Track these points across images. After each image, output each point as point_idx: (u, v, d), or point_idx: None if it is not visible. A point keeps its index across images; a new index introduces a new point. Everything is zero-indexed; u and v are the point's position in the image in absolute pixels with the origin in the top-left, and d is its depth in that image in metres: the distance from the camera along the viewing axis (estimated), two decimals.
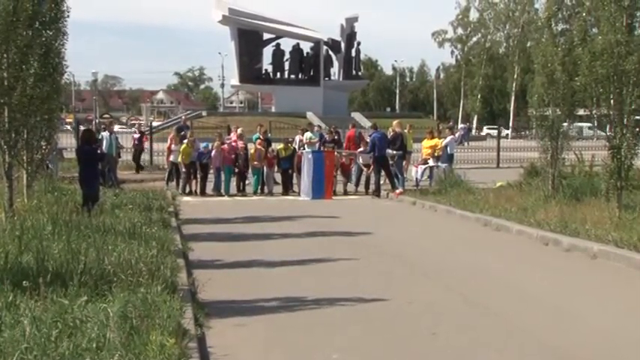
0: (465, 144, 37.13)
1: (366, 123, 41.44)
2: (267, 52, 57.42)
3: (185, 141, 18.75)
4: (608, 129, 12.36)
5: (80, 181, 12.10)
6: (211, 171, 18.69)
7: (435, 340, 6.38)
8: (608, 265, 9.64)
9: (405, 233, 12.79)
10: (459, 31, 77.41)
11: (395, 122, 19.49)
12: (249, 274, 9.13)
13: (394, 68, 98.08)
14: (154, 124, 47.08)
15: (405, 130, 20.19)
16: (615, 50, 11.74)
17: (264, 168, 18.86)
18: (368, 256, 10.41)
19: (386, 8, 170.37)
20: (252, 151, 18.96)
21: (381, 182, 18.51)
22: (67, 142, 23.93)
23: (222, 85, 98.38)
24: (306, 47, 57.54)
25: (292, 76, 57.83)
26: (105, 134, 18.99)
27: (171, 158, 19.13)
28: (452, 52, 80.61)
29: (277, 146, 19.48)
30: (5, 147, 10.71)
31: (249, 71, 56.13)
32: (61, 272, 7.05)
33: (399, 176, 18.22)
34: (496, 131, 34.81)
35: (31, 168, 11.65)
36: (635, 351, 6.14)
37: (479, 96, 75.09)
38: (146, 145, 26.43)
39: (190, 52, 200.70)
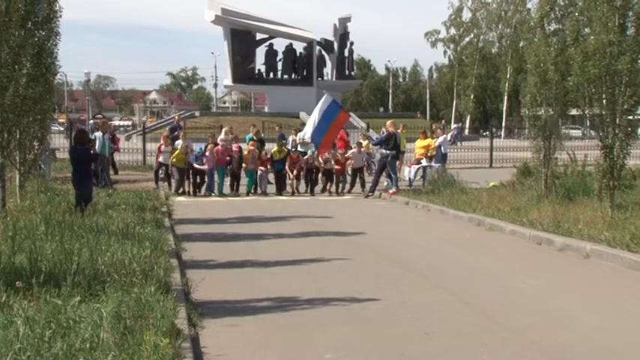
0: (458, 144, 37.22)
1: (360, 123, 41.43)
2: (260, 52, 57.45)
3: (178, 145, 18.41)
4: (600, 129, 12.40)
5: (73, 182, 12.07)
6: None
7: (428, 340, 6.39)
8: (600, 264, 9.68)
9: (398, 233, 12.81)
10: (452, 31, 77.50)
11: (388, 122, 19.51)
12: (243, 274, 9.13)
13: (387, 68, 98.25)
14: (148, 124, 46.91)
15: (399, 130, 20.22)
16: (607, 50, 11.79)
17: (258, 169, 18.77)
18: (361, 256, 10.42)
19: (379, 8, 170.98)
20: (245, 152, 18.85)
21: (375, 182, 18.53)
22: (60, 142, 23.87)
23: (215, 85, 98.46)
24: (299, 47, 57.57)
25: (285, 76, 57.80)
26: (98, 134, 18.95)
27: (160, 159, 18.93)
28: (444, 52, 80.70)
29: (272, 148, 19.41)
30: None
31: (242, 71, 56.07)
32: (54, 272, 7.04)
33: (393, 176, 18.24)
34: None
35: (23, 168, 11.63)
36: (627, 351, 6.17)
37: (471, 96, 75.17)
38: (120, 145, 26.07)
39: (183, 53, 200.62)
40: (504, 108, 69.91)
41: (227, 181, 18.80)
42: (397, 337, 6.47)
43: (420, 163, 20.09)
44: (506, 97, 69.44)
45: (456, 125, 57.13)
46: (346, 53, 59.19)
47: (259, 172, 18.73)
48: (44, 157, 17.95)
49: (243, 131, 22.61)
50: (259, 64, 57.61)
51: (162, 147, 19.11)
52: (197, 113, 56.00)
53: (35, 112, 11.24)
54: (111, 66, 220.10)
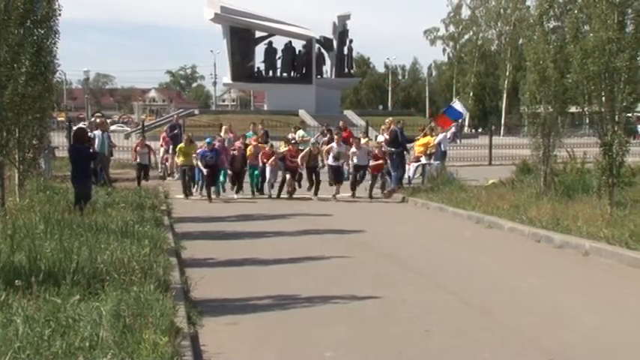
0: (458, 141, 37.20)
1: (359, 121, 41.43)
2: (260, 50, 57.44)
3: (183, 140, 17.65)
4: (599, 126, 12.39)
5: (72, 180, 12.06)
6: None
7: (428, 338, 6.40)
8: (599, 262, 9.68)
9: (397, 231, 12.81)
10: (451, 28, 77.61)
11: (388, 119, 19.43)
12: (242, 273, 9.13)
13: (386, 66, 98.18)
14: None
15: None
16: (607, 47, 11.78)
17: (266, 166, 17.54)
18: (361, 254, 10.42)
19: (378, 6, 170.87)
20: (249, 151, 17.91)
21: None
22: (59, 140, 23.84)
23: (215, 84, 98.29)
24: (298, 45, 57.56)
25: (284, 74, 57.79)
26: (97, 133, 18.91)
27: (138, 159, 18.73)
28: (444, 50, 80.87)
29: (280, 147, 18.44)
30: None
31: (242, 69, 56.05)
32: (53, 271, 7.03)
33: (392, 173, 18.21)
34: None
35: (23, 167, 11.62)
36: (626, 349, 6.18)
37: (471, 94, 75.18)
38: (119, 143, 25.91)
39: (182, 51, 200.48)
40: (504, 105, 69.91)
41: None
42: (397, 334, 6.47)
43: (420, 160, 20.07)
44: (505, 95, 69.42)
45: (455, 123, 57.10)
46: (345, 51, 59.15)
47: (268, 170, 17.46)
48: (44, 156, 17.97)
49: (243, 129, 22.52)
50: (258, 62, 57.72)
51: (138, 148, 18.89)
52: (196, 111, 56.02)
53: (34, 111, 11.23)
54: (110, 64, 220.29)
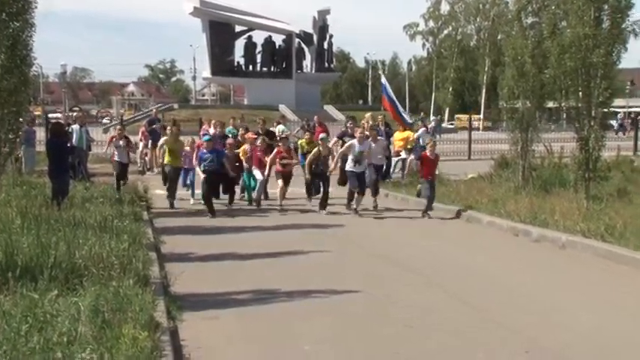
0: (437, 136, 37.33)
1: (339, 116, 41.42)
2: (239, 44, 57.26)
3: (167, 132, 15.19)
4: (576, 121, 12.53)
5: (50, 175, 11.95)
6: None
7: (408, 332, 6.43)
8: (575, 255, 9.81)
9: (376, 226, 12.86)
10: (431, 23, 77.93)
11: (367, 115, 19.40)
12: (222, 267, 9.12)
13: (366, 61, 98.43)
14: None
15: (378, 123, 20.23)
16: (583, 43, 11.92)
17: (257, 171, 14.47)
18: (340, 249, 10.46)
19: (358, 1, 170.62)
20: (244, 148, 14.92)
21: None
22: (38, 135, 23.56)
23: (194, 78, 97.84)
24: (278, 40, 57.39)
25: (264, 69, 57.64)
26: (75, 127, 18.73)
27: (116, 157, 15.83)
28: (423, 45, 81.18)
29: (298, 139, 16.30)
30: None
31: (221, 64, 55.80)
32: (30, 266, 6.98)
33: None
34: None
35: None
36: (600, 340, 6.27)
37: (450, 88, 75.61)
38: (97, 138, 25.59)
39: (161, 45, 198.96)
40: (483, 100, 70.35)
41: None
42: (378, 328, 6.50)
43: (400, 155, 20.13)
44: (484, 90, 69.86)
45: (434, 118, 57.37)
46: (325, 46, 59.15)
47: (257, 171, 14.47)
48: (24, 150, 17.79)
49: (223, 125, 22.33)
50: (238, 56, 57.45)
51: (115, 140, 16.06)
52: (176, 106, 55.65)
53: (10, 105, 11.07)
54: (88, 59, 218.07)
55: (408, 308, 7.15)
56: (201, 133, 18.26)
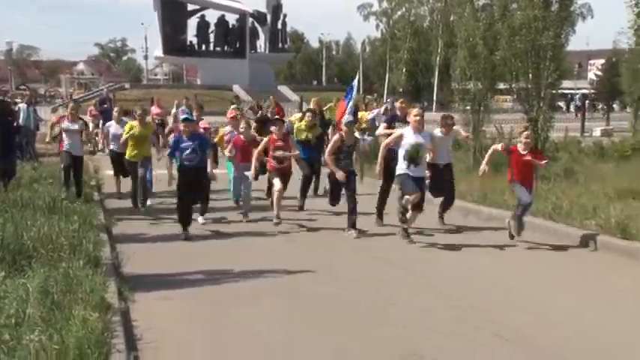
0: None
1: (293, 96, 41.28)
2: (192, 23, 56.52)
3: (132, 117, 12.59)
4: (525, 102, 12.78)
5: None
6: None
7: (357, 312, 6.49)
8: (523, 234, 10.02)
9: (323, 205, 12.86)
10: (384, 4, 77.82)
11: (314, 99, 18.74)
12: (175, 248, 9.06)
13: (320, 41, 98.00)
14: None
15: (332, 104, 20.26)
16: (533, 25, 12.13)
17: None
18: (295, 231, 10.47)
19: None
20: (220, 134, 12.17)
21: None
22: None
23: (146, 57, 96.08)
24: (231, 19, 56.87)
25: (217, 49, 57.06)
26: (22, 106, 18.28)
27: (65, 146, 11.82)
28: (377, 26, 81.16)
29: (295, 122, 12.93)
30: None
31: (174, 43, 55.01)
32: None
33: None
34: None
35: None
36: (553, 317, 6.45)
37: (404, 70, 75.94)
38: (45, 117, 24.97)
39: (112, 23, 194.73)
40: (436, 82, 70.95)
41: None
42: (328, 309, 6.55)
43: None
44: (437, 71, 70.43)
45: (390, 99, 57.68)
46: (279, 26, 58.80)
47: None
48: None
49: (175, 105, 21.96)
50: (191, 35, 56.74)
51: (66, 122, 11.78)
52: (127, 85, 54.88)
53: None
54: (36, 37, 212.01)
55: (360, 289, 7.23)
56: (180, 113, 15.99)
